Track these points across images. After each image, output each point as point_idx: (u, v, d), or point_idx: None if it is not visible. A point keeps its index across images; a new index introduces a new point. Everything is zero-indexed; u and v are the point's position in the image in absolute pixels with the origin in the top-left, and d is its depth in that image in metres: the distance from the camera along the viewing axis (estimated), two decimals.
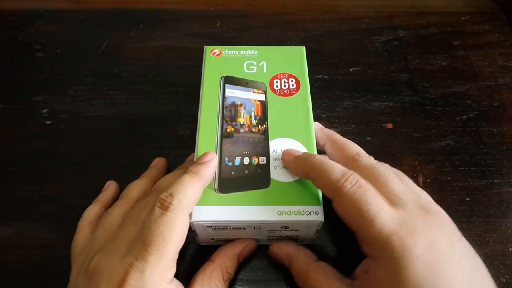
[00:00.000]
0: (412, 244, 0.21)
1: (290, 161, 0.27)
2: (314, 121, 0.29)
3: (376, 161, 0.26)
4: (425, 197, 0.25)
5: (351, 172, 0.24)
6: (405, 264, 0.21)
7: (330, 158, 0.28)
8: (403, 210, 0.23)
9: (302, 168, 0.26)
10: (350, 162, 0.26)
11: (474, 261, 0.23)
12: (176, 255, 0.22)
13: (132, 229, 0.23)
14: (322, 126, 0.30)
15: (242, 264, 0.29)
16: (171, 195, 0.23)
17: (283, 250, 0.27)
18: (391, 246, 0.22)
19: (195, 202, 0.24)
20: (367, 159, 0.26)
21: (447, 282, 0.21)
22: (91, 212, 0.28)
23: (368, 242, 0.23)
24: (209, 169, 0.25)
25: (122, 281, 0.20)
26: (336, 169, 0.24)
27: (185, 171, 0.25)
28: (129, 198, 0.27)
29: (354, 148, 0.27)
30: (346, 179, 0.23)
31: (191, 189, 0.24)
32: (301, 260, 0.26)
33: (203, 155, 0.26)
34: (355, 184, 0.23)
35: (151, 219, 0.22)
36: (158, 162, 0.32)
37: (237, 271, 0.29)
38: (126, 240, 0.22)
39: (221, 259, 0.26)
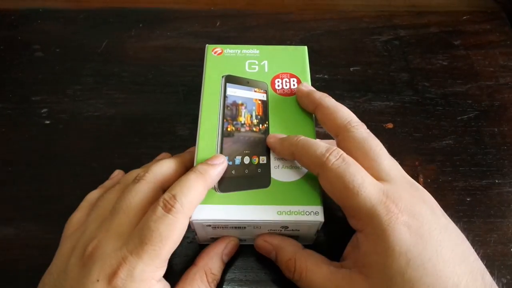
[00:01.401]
0: (397, 212, 0.22)
1: (275, 143, 0.27)
2: (315, 122, 0.29)
3: (368, 133, 0.26)
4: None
5: (334, 147, 0.24)
6: (391, 231, 0.21)
7: (322, 125, 0.28)
8: (389, 183, 0.23)
9: (287, 148, 0.26)
10: (341, 132, 0.26)
11: (457, 232, 0.23)
12: (169, 256, 0.22)
13: (123, 218, 0.23)
14: (313, 89, 0.29)
15: (242, 264, 0.29)
16: (174, 197, 0.23)
17: (268, 241, 0.27)
18: (377, 215, 0.22)
19: (197, 204, 0.24)
20: (359, 130, 0.26)
21: (435, 247, 0.21)
22: (93, 195, 0.28)
23: (354, 214, 0.24)
24: (217, 172, 0.25)
25: (114, 273, 0.21)
26: (320, 145, 0.25)
27: (190, 168, 0.25)
28: (126, 184, 0.27)
29: (345, 115, 0.27)
30: (330, 153, 0.24)
31: (195, 191, 0.23)
32: (287, 250, 0.26)
33: (214, 157, 0.26)
34: (339, 158, 0.24)
35: (152, 218, 0.22)
36: (164, 157, 0.32)
37: (237, 272, 0.28)
38: (119, 231, 0.22)
39: (203, 261, 0.26)
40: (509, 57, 0.41)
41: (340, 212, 0.31)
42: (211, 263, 0.26)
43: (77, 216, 0.27)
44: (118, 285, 0.21)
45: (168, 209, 0.22)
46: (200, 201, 0.24)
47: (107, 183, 0.30)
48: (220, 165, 0.25)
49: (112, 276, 0.21)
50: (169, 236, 0.22)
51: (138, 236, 0.22)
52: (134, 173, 0.28)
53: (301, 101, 0.29)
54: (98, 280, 0.21)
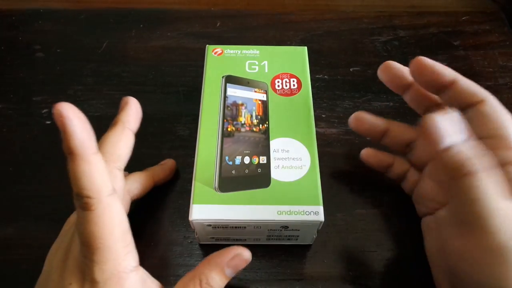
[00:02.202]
0: None
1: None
2: (315, 122, 0.30)
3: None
4: None
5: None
6: None
7: (458, 99, 0.25)
8: None
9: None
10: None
11: None
12: (125, 241, 0.21)
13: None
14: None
15: None
16: (80, 194, 0.20)
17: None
18: None
19: (106, 180, 0.21)
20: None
21: None
22: (73, 217, 0.28)
23: None
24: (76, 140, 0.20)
25: (82, 277, 0.21)
26: None
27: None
28: None
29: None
30: None
31: (95, 173, 0.20)
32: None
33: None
34: None
35: (78, 222, 0.21)
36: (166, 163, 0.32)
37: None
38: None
39: (201, 268, 0.23)
40: (508, 58, 0.41)
41: (340, 212, 0.31)
42: (209, 272, 0.22)
43: (56, 243, 0.26)
44: None
45: (84, 207, 0.20)
46: (106, 177, 0.21)
47: None
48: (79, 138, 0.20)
49: (81, 280, 0.21)
50: (100, 229, 0.20)
51: (80, 241, 0.21)
52: None
53: (424, 74, 0.25)
54: (70, 284, 0.21)
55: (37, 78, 0.39)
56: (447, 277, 0.24)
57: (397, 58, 0.41)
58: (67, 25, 0.44)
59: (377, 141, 0.30)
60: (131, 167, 0.33)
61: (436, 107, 0.27)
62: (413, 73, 0.26)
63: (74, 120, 0.19)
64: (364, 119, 0.29)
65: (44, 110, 0.37)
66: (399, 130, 0.29)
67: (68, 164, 0.20)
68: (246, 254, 0.23)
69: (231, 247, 0.23)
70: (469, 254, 0.21)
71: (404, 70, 0.27)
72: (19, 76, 0.39)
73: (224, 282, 0.23)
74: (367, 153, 0.31)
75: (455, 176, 0.21)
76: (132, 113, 0.27)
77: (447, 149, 0.21)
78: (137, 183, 0.29)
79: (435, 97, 0.27)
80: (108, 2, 0.46)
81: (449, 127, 0.22)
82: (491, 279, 0.20)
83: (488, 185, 0.21)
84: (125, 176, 0.28)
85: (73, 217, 0.27)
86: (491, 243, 0.20)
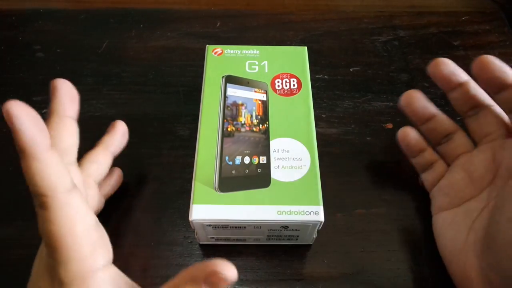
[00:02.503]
0: None
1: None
2: (315, 122, 0.30)
3: None
4: None
5: None
6: None
7: None
8: None
9: None
10: None
11: None
12: (90, 239, 0.20)
13: None
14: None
15: (242, 264, 0.29)
16: (34, 193, 0.20)
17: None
18: None
19: (60, 175, 0.20)
20: None
21: None
22: None
23: None
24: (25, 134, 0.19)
25: (58, 279, 0.20)
26: None
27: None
28: None
29: None
30: None
31: (41, 172, 0.19)
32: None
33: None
34: None
35: (39, 222, 0.20)
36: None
37: (237, 271, 0.28)
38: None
39: (177, 280, 0.19)
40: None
41: (340, 212, 0.31)
42: (183, 286, 0.19)
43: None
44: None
45: (41, 206, 0.20)
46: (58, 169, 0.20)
47: None
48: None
49: (50, 282, 0.21)
50: (59, 227, 0.19)
51: (43, 241, 0.21)
52: None
53: (488, 72, 0.26)
54: (40, 287, 0.21)
55: (37, 78, 0.39)
56: (485, 272, 0.24)
57: (397, 58, 0.41)
58: (67, 25, 0.44)
59: (419, 124, 0.30)
60: (131, 167, 0.33)
61: (479, 108, 0.28)
62: (476, 70, 0.26)
63: (22, 118, 0.18)
64: (418, 98, 0.29)
65: (44, 110, 0.37)
66: (444, 119, 0.30)
67: (21, 162, 0.20)
68: (227, 274, 0.18)
69: (213, 261, 0.18)
70: None
71: (456, 69, 0.28)
72: (19, 76, 0.39)
73: None
74: (405, 132, 0.31)
75: None
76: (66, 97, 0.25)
77: None
78: (93, 163, 0.27)
79: (482, 99, 0.28)
80: (108, 2, 0.46)
81: None
82: None
83: None
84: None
85: None
86: None
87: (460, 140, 0.29)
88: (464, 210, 0.27)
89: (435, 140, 0.30)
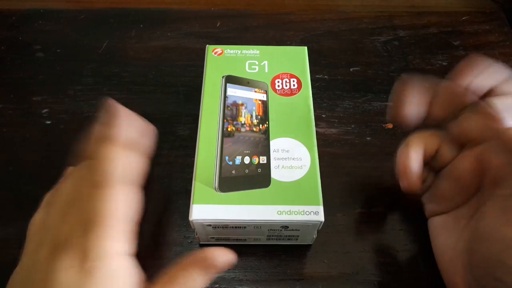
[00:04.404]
0: None
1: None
2: (315, 122, 0.30)
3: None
4: None
5: None
6: None
7: None
8: None
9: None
10: None
11: None
12: (127, 227, 0.22)
13: (81, 207, 0.22)
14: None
15: (242, 264, 0.29)
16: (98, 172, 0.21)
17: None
18: None
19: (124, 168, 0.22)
20: None
21: None
22: (48, 194, 0.28)
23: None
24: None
25: (84, 257, 0.20)
26: None
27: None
28: None
29: None
30: None
31: (112, 157, 0.22)
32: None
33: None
34: None
35: (89, 199, 0.21)
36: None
37: (237, 271, 0.29)
38: (79, 218, 0.22)
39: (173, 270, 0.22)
40: (508, 58, 0.41)
41: (340, 212, 0.31)
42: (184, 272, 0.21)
43: (39, 216, 0.26)
44: (90, 266, 0.20)
45: (96, 186, 0.21)
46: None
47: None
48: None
49: (83, 259, 0.20)
50: (108, 209, 0.21)
51: (86, 219, 0.21)
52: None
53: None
54: (70, 267, 0.20)
55: (37, 78, 0.39)
56: (470, 284, 0.23)
57: (397, 58, 0.41)
58: (67, 25, 0.44)
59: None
60: None
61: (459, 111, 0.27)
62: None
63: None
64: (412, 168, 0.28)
65: (44, 110, 0.37)
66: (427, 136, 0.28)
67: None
68: (218, 259, 0.21)
69: (207, 249, 0.21)
70: None
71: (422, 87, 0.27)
72: (19, 76, 0.39)
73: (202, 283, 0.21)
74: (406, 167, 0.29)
75: None
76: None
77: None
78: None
79: (462, 101, 0.27)
80: (108, 2, 0.46)
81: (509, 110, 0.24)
82: None
83: None
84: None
85: (38, 218, 0.26)
86: None
87: (445, 148, 0.27)
88: (454, 216, 0.26)
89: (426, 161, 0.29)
